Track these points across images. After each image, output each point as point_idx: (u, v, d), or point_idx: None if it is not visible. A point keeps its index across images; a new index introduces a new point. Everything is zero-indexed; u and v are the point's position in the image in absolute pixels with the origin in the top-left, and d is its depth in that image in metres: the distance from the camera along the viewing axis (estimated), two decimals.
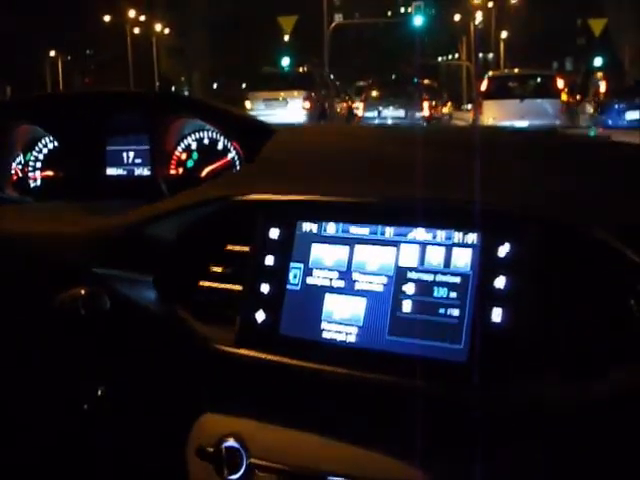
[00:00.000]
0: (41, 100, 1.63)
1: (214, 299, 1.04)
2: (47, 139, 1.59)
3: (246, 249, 1.02)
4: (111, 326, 1.06)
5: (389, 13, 43.13)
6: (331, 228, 0.97)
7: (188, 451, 0.99)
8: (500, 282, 0.85)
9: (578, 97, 17.13)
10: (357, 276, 0.94)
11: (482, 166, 0.96)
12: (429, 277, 0.90)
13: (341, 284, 0.94)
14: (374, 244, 0.94)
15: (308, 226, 0.98)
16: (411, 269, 0.91)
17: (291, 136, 1.31)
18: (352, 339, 0.92)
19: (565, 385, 0.81)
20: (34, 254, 1.16)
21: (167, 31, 41.10)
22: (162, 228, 1.09)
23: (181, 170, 1.51)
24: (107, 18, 37.13)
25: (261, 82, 16.66)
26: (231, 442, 0.92)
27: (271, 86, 16.00)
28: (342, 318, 0.93)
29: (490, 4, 35.50)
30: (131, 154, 1.53)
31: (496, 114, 12.59)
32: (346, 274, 0.94)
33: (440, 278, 0.89)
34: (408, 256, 0.92)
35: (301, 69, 18.29)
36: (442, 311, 0.88)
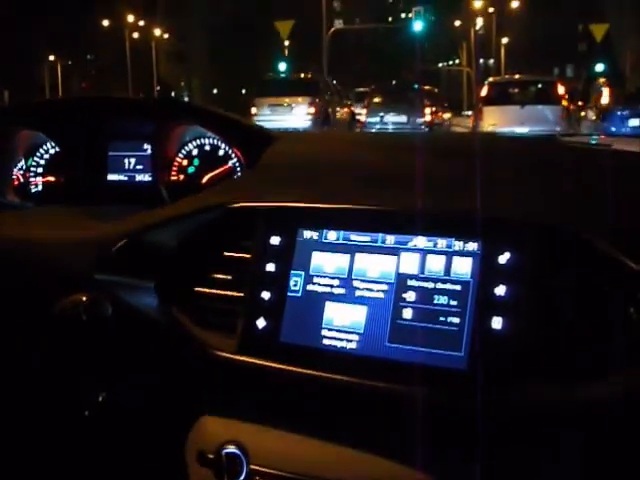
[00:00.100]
0: (43, 105, 1.63)
1: (215, 306, 1.04)
2: (48, 144, 1.59)
3: (247, 256, 1.02)
4: (112, 332, 1.06)
5: (390, 19, 43.15)
6: (332, 235, 0.97)
7: (189, 457, 0.99)
8: (500, 290, 0.85)
9: (580, 103, 17.07)
10: (358, 283, 0.94)
11: (482, 174, 0.96)
12: (429, 285, 0.90)
13: (342, 291, 0.94)
14: (375, 252, 0.94)
15: (309, 233, 0.98)
16: (412, 277, 0.91)
17: (292, 143, 1.31)
18: (352, 346, 0.92)
19: (564, 392, 0.81)
20: (35, 260, 1.16)
21: (166, 36, 41.13)
22: (163, 234, 1.09)
23: (182, 176, 1.51)
24: (106, 23, 37.16)
25: (266, 88, 16.80)
26: (231, 449, 0.93)
27: (276, 92, 16.13)
28: (343, 325, 0.93)
29: (491, 9, 35.53)
30: (132, 160, 1.53)
31: (496, 120, 12.57)
32: (347, 281, 0.94)
33: (440, 286, 0.89)
34: (409, 264, 0.92)
35: (303, 75, 18.49)
36: (442, 319, 0.88)
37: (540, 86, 14.11)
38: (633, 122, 13.56)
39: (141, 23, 38.47)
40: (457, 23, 39.43)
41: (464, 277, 0.88)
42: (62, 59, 36.66)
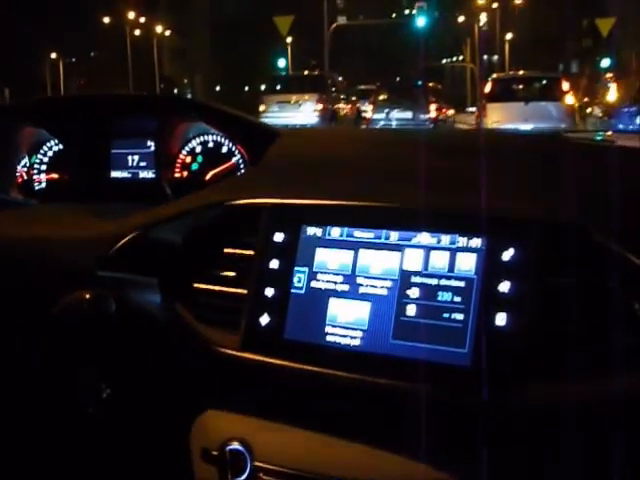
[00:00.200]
0: (46, 103, 1.63)
1: (218, 302, 1.04)
2: (52, 142, 1.59)
3: (250, 253, 1.02)
4: (116, 329, 1.06)
5: (393, 15, 43.03)
6: (335, 232, 0.97)
7: (193, 454, 0.99)
8: (504, 286, 0.85)
9: (586, 100, 16.93)
10: (361, 280, 0.94)
11: (486, 171, 0.96)
12: (433, 281, 0.90)
13: (345, 288, 0.94)
14: (378, 248, 0.94)
15: (312, 230, 0.98)
16: (415, 273, 0.91)
17: (295, 139, 1.31)
18: (356, 343, 0.92)
19: (569, 388, 0.81)
20: (39, 257, 1.16)
21: (168, 33, 41.07)
22: (166, 231, 1.09)
23: (186, 173, 1.51)
24: (107, 20, 37.11)
25: (274, 85, 17.21)
26: (236, 445, 0.93)
27: (284, 89, 16.52)
28: (346, 322, 0.93)
29: (494, 5, 35.40)
30: (136, 157, 1.53)
31: (500, 117, 12.53)
32: (350, 278, 0.94)
33: (444, 282, 0.89)
34: (412, 260, 0.92)
35: (308, 72, 18.74)
36: (446, 315, 0.88)
37: (544, 82, 14.05)
38: None
39: (142, 20, 38.41)
40: (461, 19, 39.33)
41: (468, 273, 0.88)
42: (64, 57, 36.63)
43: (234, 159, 1.47)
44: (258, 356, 0.95)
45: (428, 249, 0.91)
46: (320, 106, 16.16)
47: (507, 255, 0.86)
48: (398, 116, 16.85)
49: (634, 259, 0.80)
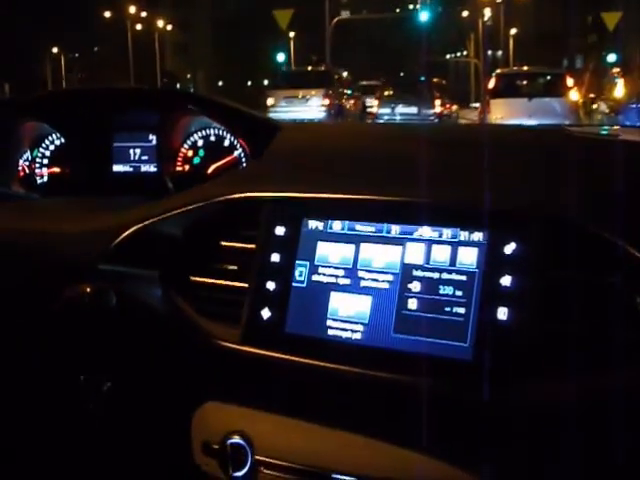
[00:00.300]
0: (48, 97, 1.63)
1: (219, 296, 1.04)
2: (54, 136, 1.59)
3: (252, 246, 1.02)
4: (117, 322, 1.06)
5: (397, 10, 42.92)
6: (337, 226, 0.97)
7: (194, 448, 0.99)
8: (506, 281, 0.85)
9: (592, 95, 16.79)
10: (363, 274, 0.94)
11: (488, 165, 0.96)
12: (435, 275, 0.89)
13: (347, 282, 0.94)
14: (380, 242, 0.94)
15: (314, 224, 0.98)
16: (417, 267, 0.91)
17: (297, 133, 1.31)
18: (358, 336, 0.92)
19: (570, 383, 0.80)
20: (41, 251, 1.16)
21: (169, 27, 40.97)
22: (168, 225, 1.09)
23: (187, 167, 1.51)
24: (108, 14, 37.01)
25: (282, 80, 17.54)
26: (236, 439, 0.93)
27: (292, 84, 16.73)
28: (348, 315, 0.93)
29: (498, 0, 35.27)
30: (137, 151, 1.53)
31: (504, 113, 12.48)
32: (352, 272, 0.94)
33: (446, 276, 0.89)
34: (414, 254, 0.91)
35: (315, 67, 19.07)
36: (448, 309, 0.88)
37: (548, 78, 13.98)
38: None
39: (144, 14, 38.32)
40: (465, 14, 39.19)
41: (469, 267, 0.88)
42: (66, 52, 36.56)
43: (236, 153, 1.46)
44: (259, 350, 0.95)
45: (430, 243, 0.91)
46: (327, 101, 16.45)
47: (509, 249, 0.86)
48: (403, 111, 17.24)
49: (636, 253, 0.80)
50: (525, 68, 16.42)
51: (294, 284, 0.96)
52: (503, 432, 0.83)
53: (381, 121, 15.90)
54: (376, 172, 1.04)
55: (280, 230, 0.99)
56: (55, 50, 35.62)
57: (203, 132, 1.50)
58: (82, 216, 1.21)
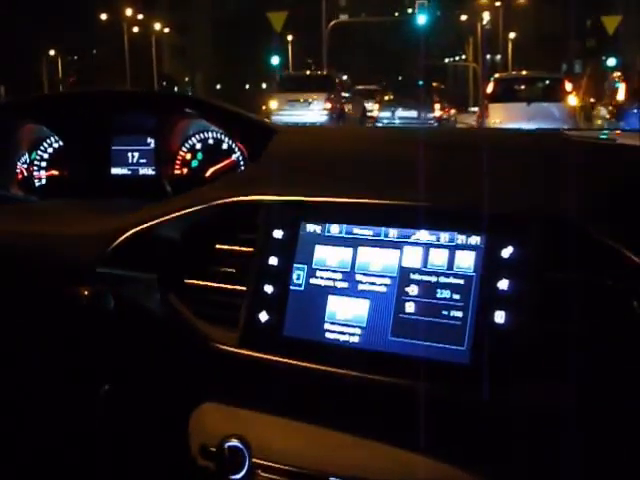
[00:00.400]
0: (46, 99, 1.63)
1: (217, 299, 1.04)
2: (52, 138, 1.59)
3: (250, 249, 1.02)
4: (115, 325, 1.06)
5: (396, 14, 42.93)
6: (335, 229, 0.97)
7: (191, 450, 0.99)
8: (503, 284, 0.85)
9: (592, 100, 16.72)
10: (360, 277, 0.94)
11: (486, 168, 0.96)
12: (432, 279, 0.90)
13: (344, 285, 0.94)
14: (378, 245, 0.94)
15: (312, 227, 0.98)
16: (414, 270, 0.91)
17: (295, 136, 1.31)
18: (355, 340, 0.92)
19: (567, 386, 0.81)
20: (39, 254, 1.16)
21: (167, 30, 40.89)
22: (166, 228, 1.09)
23: (186, 170, 1.51)
24: (104, 17, 36.89)
25: (285, 84, 17.74)
26: (234, 442, 0.92)
27: (294, 88, 16.97)
28: (345, 319, 0.93)
29: (498, 3, 35.28)
30: (136, 154, 1.53)
31: (502, 117, 12.49)
32: (349, 275, 0.94)
33: (443, 280, 0.89)
34: (411, 257, 0.91)
35: (317, 72, 19.40)
36: (445, 313, 0.88)
37: (547, 83, 13.99)
38: None
39: (140, 17, 38.21)
40: (463, 17, 39.22)
41: (467, 271, 0.88)
42: (65, 54, 36.43)
43: (234, 156, 1.47)
44: (257, 353, 0.95)
45: (427, 246, 0.91)
46: (329, 105, 16.70)
47: (506, 253, 0.86)
48: (403, 115, 17.62)
49: (633, 257, 0.80)
50: (524, 72, 16.43)
51: (292, 287, 0.97)
52: (501, 434, 0.83)
53: (380, 124, 16.18)
54: (374, 175, 1.04)
55: (278, 233, 0.99)
56: (52, 52, 35.50)
57: (201, 135, 1.50)
58: (80, 219, 1.21)
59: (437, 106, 18.44)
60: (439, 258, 0.90)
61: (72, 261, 1.13)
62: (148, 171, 1.52)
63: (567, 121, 12.63)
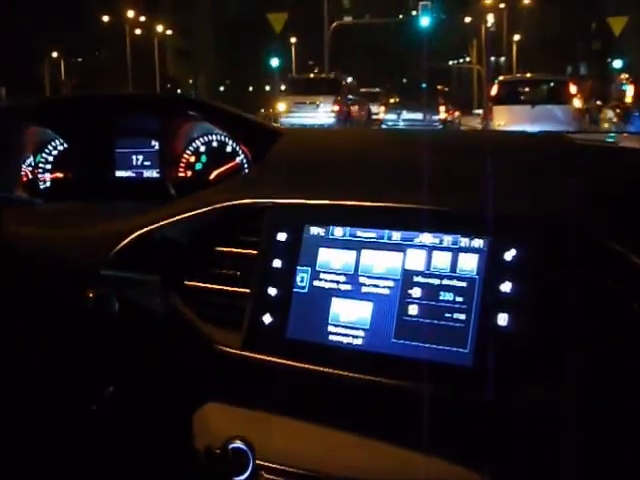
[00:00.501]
0: (51, 102, 1.64)
1: (221, 301, 1.04)
2: (57, 141, 1.60)
3: (254, 252, 1.03)
4: (119, 327, 1.06)
5: (400, 17, 42.88)
6: (338, 232, 0.97)
7: (195, 452, 0.99)
8: (506, 287, 0.85)
9: (598, 102, 16.54)
10: (364, 280, 0.94)
11: (489, 171, 0.96)
12: (435, 281, 0.90)
13: (348, 287, 0.94)
14: (381, 248, 0.94)
15: (315, 230, 0.98)
16: (417, 273, 0.91)
17: (299, 139, 1.31)
18: (358, 342, 0.92)
19: (568, 387, 0.81)
20: (43, 256, 1.16)
21: (169, 32, 40.84)
22: (170, 230, 1.09)
23: (190, 173, 1.52)
24: (106, 18, 36.85)
25: (293, 87, 18.15)
26: (238, 444, 0.93)
27: (302, 90, 17.32)
28: (349, 321, 0.93)
29: (502, 5, 35.20)
30: (140, 156, 1.53)
31: (506, 120, 12.46)
32: (353, 277, 0.94)
33: (446, 282, 0.89)
34: (415, 260, 0.92)
35: (324, 74, 19.87)
36: (448, 315, 0.88)
37: (551, 85, 13.93)
38: None
39: (142, 19, 38.16)
40: (468, 19, 39.16)
41: (470, 274, 0.88)
42: (68, 56, 36.38)
43: (238, 159, 1.47)
44: (260, 355, 0.96)
45: (430, 249, 0.91)
46: (336, 107, 16.96)
47: (509, 256, 0.86)
48: (409, 117, 18.05)
49: (635, 259, 0.80)
50: (528, 75, 16.39)
51: (295, 290, 0.97)
52: (503, 436, 0.83)
53: (385, 127, 16.33)
54: (377, 178, 1.04)
55: (282, 236, 1.00)
56: (55, 54, 35.45)
57: (205, 138, 1.50)
58: (84, 221, 1.22)
59: (442, 108, 18.67)
60: (442, 261, 0.90)
61: (76, 263, 1.13)
62: (152, 174, 1.53)
63: (571, 124, 12.58)
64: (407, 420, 0.87)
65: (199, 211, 1.08)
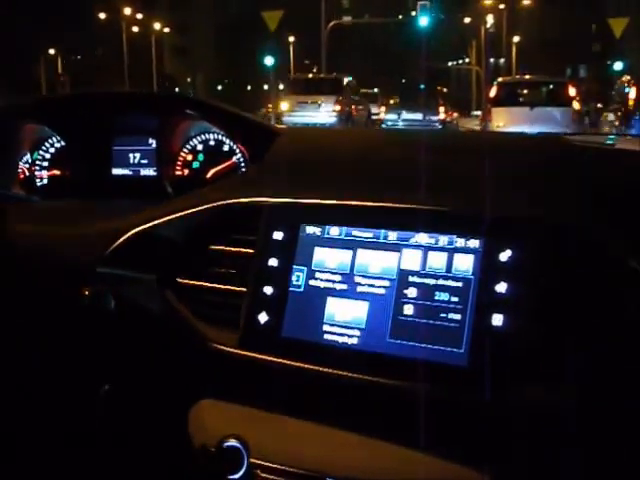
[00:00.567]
0: (48, 100, 1.64)
1: (217, 300, 1.04)
2: (54, 139, 1.60)
3: (250, 251, 1.03)
4: (115, 325, 1.06)
5: (400, 17, 42.85)
6: (334, 231, 0.97)
7: (190, 450, 0.99)
8: (501, 287, 0.85)
9: (599, 105, 16.47)
10: (359, 279, 0.94)
11: (486, 172, 0.96)
12: (431, 281, 0.90)
13: (343, 287, 0.94)
14: (377, 248, 0.94)
15: (311, 229, 0.98)
16: (413, 273, 0.91)
17: (296, 139, 1.31)
18: (354, 342, 0.92)
19: (565, 389, 0.81)
20: (40, 253, 1.16)
21: (167, 30, 40.71)
22: (166, 229, 1.09)
23: (187, 171, 1.52)
24: (103, 16, 36.72)
25: (295, 86, 18.22)
26: (232, 442, 0.93)
27: (305, 90, 17.42)
28: (344, 321, 0.93)
29: (502, 6, 35.17)
30: (137, 154, 1.53)
31: (505, 122, 12.44)
32: (348, 277, 0.95)
33: (442, 282, 0.89)
34: (410, 260, 0.92)
35: (326, 74, 20.13)
36: (443, 315, 0.88)
37: (551, 87, 13.91)
38: None
39: (139, 16, 38.02)
40: (467, 20, 39.14)
41: (465, 274, 0.88)
42: (66, 54, 36.25)
43: (235, 158, 1.47)
44: (256, 354, 0.96)
45: (426, 249, 0.91)
46: (338, 107, 17.08)
47: (504, 256, 0.86)
48: (408, 117, 18.30)
49: (632, 261, 0.80)
50: (527, 77, 16.36)
51: (291, 289, 0.97)
52: (499, 436, 0.83)
53: (384, 126, 16.48)
54: (374, 178, 1.04)
55: (278, 235, 1.00)
56: (52, 52, 35.30)
57: (202, 137, 1.50)
58: (81, 219, 1.22)
59: (442, 109, 18.83)
60: (438, 261, 0.90)
61: (73, 261, 1.13)
62: (149, 172, 1.53)
63: (570, 126, 12.57)
64: (402, 420, 0.87)
65: (196, 209, 1.08)
